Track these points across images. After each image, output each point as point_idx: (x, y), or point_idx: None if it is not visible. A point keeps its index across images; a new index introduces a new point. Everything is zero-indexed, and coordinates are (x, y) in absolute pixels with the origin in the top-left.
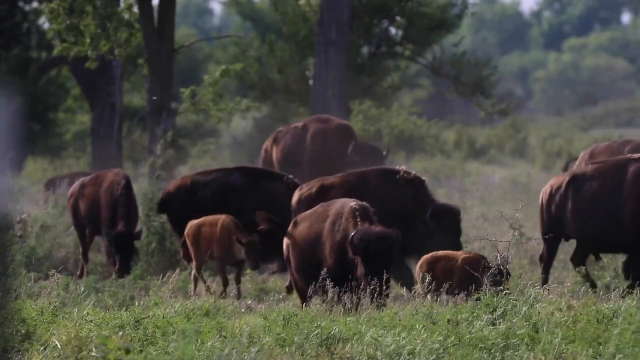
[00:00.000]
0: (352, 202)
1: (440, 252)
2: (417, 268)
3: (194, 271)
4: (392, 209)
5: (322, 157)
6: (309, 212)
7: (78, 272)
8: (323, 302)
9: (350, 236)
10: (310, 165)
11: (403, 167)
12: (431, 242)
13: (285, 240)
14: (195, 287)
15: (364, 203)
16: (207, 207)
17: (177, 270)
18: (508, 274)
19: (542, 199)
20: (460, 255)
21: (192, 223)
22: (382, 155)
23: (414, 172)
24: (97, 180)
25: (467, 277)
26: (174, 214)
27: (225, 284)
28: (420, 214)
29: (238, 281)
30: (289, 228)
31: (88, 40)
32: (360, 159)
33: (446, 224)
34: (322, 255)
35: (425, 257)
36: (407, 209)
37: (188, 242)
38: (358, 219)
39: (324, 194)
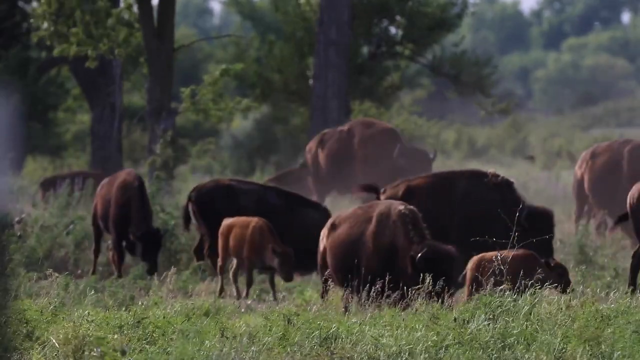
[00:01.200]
0: (400, 206)
1: (489, 253)
2: (468, 270)
3: (232, 271)
4: (480, 212)
5: (370, 161)
6: (346, 214)
7: (91, 270)
8: (361, 303)
9: (417, 255)
10: (355, 170)
11: (492, 170)
12: (523, 246)
13: (323, 243)
14: (222, 288)
15: (413, 207)
16: (247, 215)
17: (173, 269)
18: (568, 282)
19: (630, 202)
20: (509, 255)
21: (226, 222)
22: (429, 158)
23: (502, 175)
24: (111, 180)
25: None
26: (209, 212)
27: (250, 284)
28: (508, 217)
29: (272, 284)
30: (326, 231)
31: (74, 46)
32: (407, 162)
33: (540, 226)
34: (363, 256)
35: (474, 258)
36: (495, 213)
37: (220, 240)
38: (409, 226)
39: (409, 196)
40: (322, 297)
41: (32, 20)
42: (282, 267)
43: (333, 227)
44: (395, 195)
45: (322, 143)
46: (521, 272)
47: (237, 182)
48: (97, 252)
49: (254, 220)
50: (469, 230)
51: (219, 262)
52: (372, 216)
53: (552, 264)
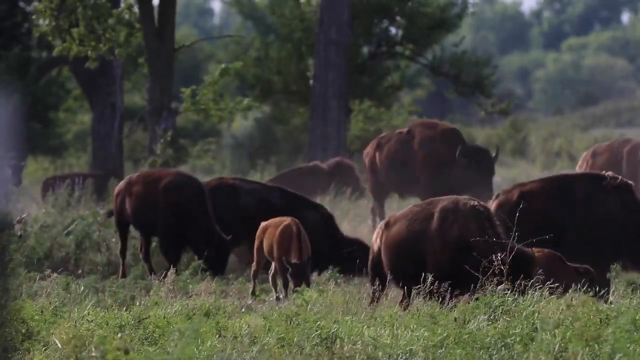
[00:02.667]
0: (472, 201)
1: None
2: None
3: (272, 273)
4: (599, 216)
5: (431, 163)
6: (402, 213)
7: (120, 272)
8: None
9: (500, 257)
10: (415, 171)
11: (610, 173)
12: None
13: (377, 244)
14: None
15: (484, 203)
16: (247, 214)
17: (172, 269)
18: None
19: None
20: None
21: (262, 224)
22: (491, 157)
23: (620, 178)
24: (149, 178)
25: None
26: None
27: (286, 285)
28: (629, 220)
29: (285, 286)
30: (380, 231)
31: (77, 42)
32: (469, 161)
33: None
34: (427, 254)
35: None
36: (614, 217)
37: (256, 242)
38: (486, 224)
39: (523, 200)
40: (372, 301)
41: (33, 17)
42: (295, 278)
43: (387, 226)
44: (510, 201)
45: (380, 146)
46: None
47: (241, 181)
48: (124, 252)
49: (285, 221)
50: (587, 233)
51: (253, 266)
52: (434, 212)
53: (581, 270)
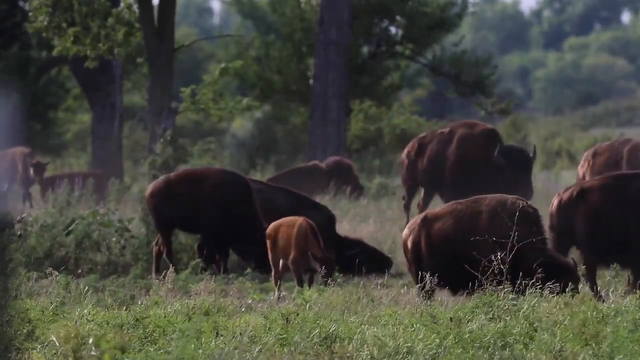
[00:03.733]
0: (520, 201)
1: None
2: None
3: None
4: None
5: (466, 163)
6: (442, 210)
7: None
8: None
9: (534, 265)
10: (454, 171)
11: None
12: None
13: (411, 240)
14: (279, 292)
15: (531, 204)
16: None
17: (171, 268)
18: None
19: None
20: None
21: (273, 224)
22: (530, 157)
23: None
24: (193, 177)
25: None
26: None
27: (300, 285)
28: None
29: (310, 284)
30: (416, 227)
31: (72, 38)
32: (507, 161)
33: None
34: (474, 251)
35: None
36: None
37: (268, 243)
38: (533, 227)
39: (584, 198)
40: (427, 297)
41: (30, 14)
42: (325, 272)
43: (426, 222)
44: (570, 198)
45: (422, 146)
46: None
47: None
48: (171, 255)
49: (299, 220)
50: None
51: (273, 270)
52: (482, 210)
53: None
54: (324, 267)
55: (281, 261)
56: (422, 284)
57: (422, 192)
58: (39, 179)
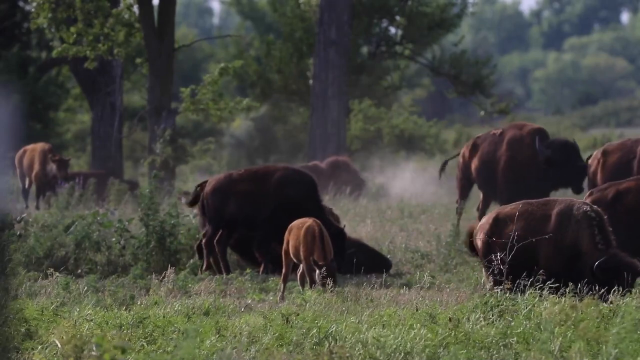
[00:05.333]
0: (585, 206)
1: None
2: None
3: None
4: None
5: (514, 164)
6: (512, 209)
7: (224, 271)
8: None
9: (596, 264)
10: (505, 172)
11: None
12: None
13: (482, 237)
14: (283, 293)
15: (598, 209)
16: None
17: (171, 269)
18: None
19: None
20: None
21: (289, 225)
22: (576, 149)
23: None
24: (257, 175)
25: None
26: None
27: (312, 285)
28: None
29: (323, 284)
30: (487, 225)
31: (74, 36)
32: (552, 152)
33: None
34: (542, 254)
35: None
36: None
37: (284, 244)
38: (595, 229)
39: (619, 199)
40: (505, 290)
41: (32, 12)
42: (324, 277)
43: (497, 221)
44: (604, 199)
45: (475, 147)
46: None
47: None
48: (224, 256)
49: (308, 221)
50: None
51: (284, 269)
52: (551, 214)
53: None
54: (323, 270)
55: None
56: (493, 282)
57: (480, 195)
58: (62, 175)
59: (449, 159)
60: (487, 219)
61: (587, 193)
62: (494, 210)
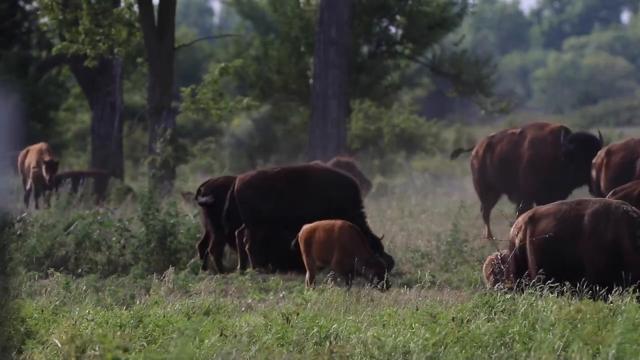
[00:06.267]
0: (624, 205)
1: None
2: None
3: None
4: None
5: (538, 163)
6: (547, 209)
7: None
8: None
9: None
10: (527, 170)
11: None
12: None
13: (518, 238)
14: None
15: (636, 209)
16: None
17: (171, 269)
18: None
19: None
20: None
21: (306, 227)
22: (599, 140)
23: None
24: (295, 175)
25: None
26: (216, 208)
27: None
28: None
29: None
30: (523, 225)
31: (83, 36)
32: (575, 146)
33: None
34: (577, 254)
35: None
36: None
37: (302, 246)
38: (637, 231)
39: None
40: (512, 288)
41: (38, 12)
42: (370, 274)
43: (533, 221)
44: (630, 196)
45: (491, 146)
46: None
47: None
48: (255, 248)
49: (338, 223)
50: None
51: (308, 272)
52: (584, 214)
53: None
54: (373, 270)
55: (317, 263)
56: (516, 282)
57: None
58: (49, 178)
59: (464, 149)
60: (522, 219)
61: (611, 192)
62: (529, 210)
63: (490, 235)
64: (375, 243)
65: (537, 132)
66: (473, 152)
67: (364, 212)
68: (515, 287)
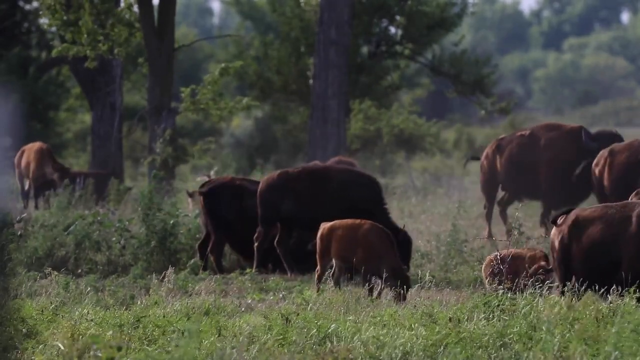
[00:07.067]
0: None
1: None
2: None
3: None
4: None
5: (557, 165)
6: (592, 212)
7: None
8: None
9: None
10: (547, 173)
11: None
12: None
13: (561, 241)
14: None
15: None
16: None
17: (171, 269)
18: None
19: None
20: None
21: (326, 225)
22: (621, 137)
23: None
24: (316, 175)
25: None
26: (216, 208)
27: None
28: None
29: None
30: (566, 228)
31: (85, 36)
32: (599, 145)
33: None
34: (626, 257)
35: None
36: None
37: (319, 244)
38: None
39: None
40: (563, 294)
41: (40, 13)
42: (397, 285)
43: (576, 225)
44: None
45: (501, 148)
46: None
47: (249, 182)
48: (262, 247)
49: (367, 223)
50: None
51: (320, 270)
52: (632, 216)
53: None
54: (399, 280)
55: (334, 263)
56: (563, 287)
57: (503, 194)
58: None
59: (473, 155)
60: (565, 222)
61: (635, 192)
62: (572, 212)
63: (490, 235)
64: (404, 240)
65: (553, 134)
66: (483, 154)
67: (386, 209)
68: (561, 291)
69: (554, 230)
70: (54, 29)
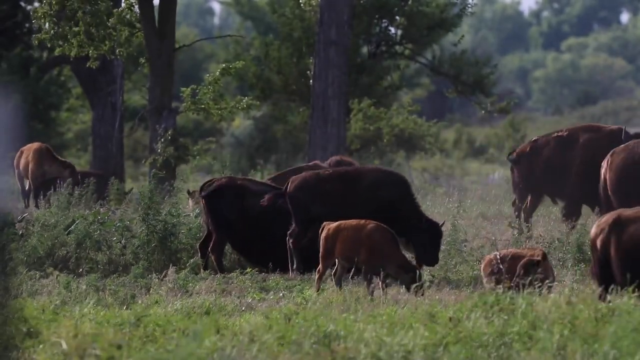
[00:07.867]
0: None
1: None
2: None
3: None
4: None
5: (594, 164)
6: (632, 213)
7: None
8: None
9: None
10: (580, 174)
11: None
12: None
13: (602, 241)
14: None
15: None
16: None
17: (172, 268)
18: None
19: None
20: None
21: (330, 225)
22: None
23: None
24: (347, 176)
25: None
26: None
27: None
28: None
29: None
30: (607, 228)
31: (76, 49)
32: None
33: None
34: None
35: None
36: None
37: (323, 243)
38: None
39: None
40: (601, 297)
41: (33, 22)
42: (409, 284)
43: (619, 225)
44: None
45: (534, 149)
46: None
47: (250, 182)
48: (298, 247)
49: (371, 223)
50: None
51: (320, 268)
52: None
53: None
54: (410, 275)
55: (338, 262)
56: (604, 287)
57: (530, 196)
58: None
59: (512, 152)
60: (605, 220)
61: None
62: (614, 212)
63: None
64: (435, 232)
65: (591, 135)
66: (515, 155)
67: (417, 204)
68: (601, 292)
69: (594, 229)
70: (48, 38)
